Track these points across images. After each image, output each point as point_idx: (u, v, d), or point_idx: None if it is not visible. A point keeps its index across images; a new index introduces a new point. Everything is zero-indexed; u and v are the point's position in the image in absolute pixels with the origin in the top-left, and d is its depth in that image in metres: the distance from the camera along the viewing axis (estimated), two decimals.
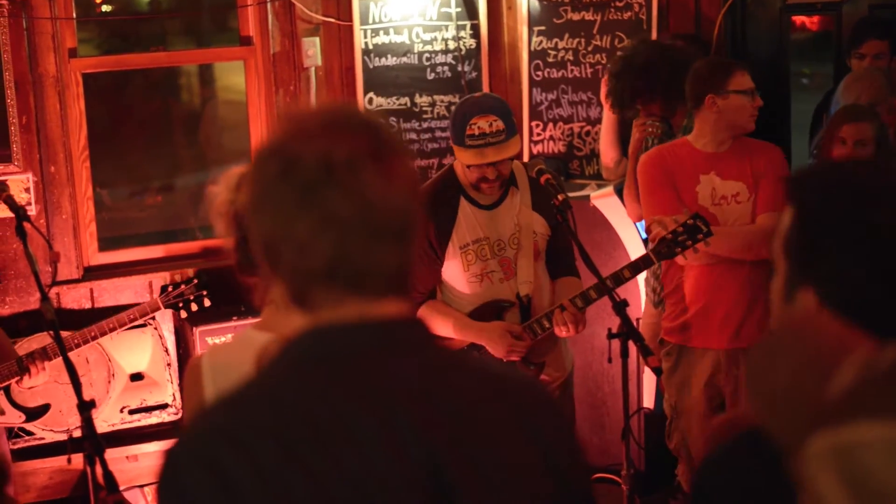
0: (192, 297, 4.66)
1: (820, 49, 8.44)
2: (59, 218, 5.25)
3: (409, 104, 5.72)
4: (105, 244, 5.60)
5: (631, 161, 4.85)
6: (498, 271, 4.05)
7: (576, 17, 5.73)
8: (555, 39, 5.77)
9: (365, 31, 5.59)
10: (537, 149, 5.85)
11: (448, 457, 1.40)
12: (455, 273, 4.07)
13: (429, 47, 5.72)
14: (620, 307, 3.69)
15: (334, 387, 1.42)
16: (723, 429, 1.66)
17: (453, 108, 4.28)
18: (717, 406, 4.42)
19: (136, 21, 7.24)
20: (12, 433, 4.91)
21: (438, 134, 5.77)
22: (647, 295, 4.97)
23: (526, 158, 5.68)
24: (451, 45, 5.75)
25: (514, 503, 1.46)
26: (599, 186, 5.50)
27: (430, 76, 5.75)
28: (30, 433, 4.94)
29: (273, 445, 1.36)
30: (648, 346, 3.68)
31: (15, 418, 4.88)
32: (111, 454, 3.86)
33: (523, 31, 5.84)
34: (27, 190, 5.15)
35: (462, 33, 5.76)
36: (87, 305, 5.30)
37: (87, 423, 3.49)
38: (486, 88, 5.77)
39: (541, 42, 5.80)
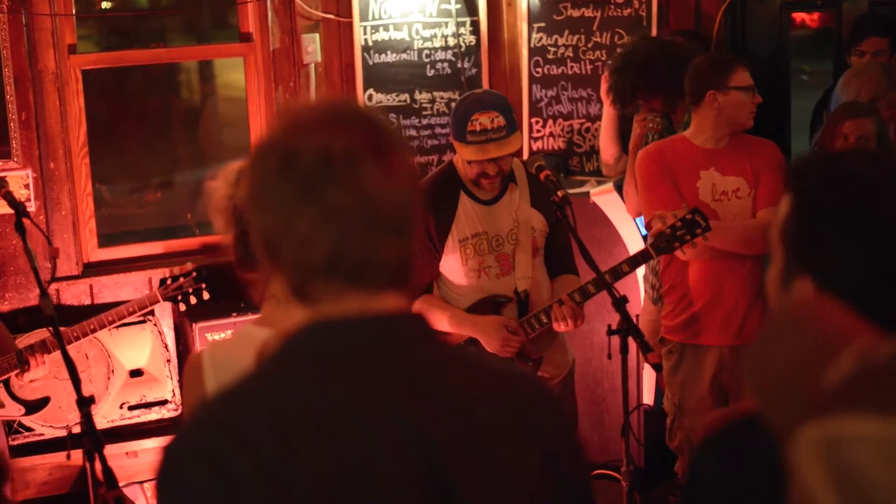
0: (190, 290, 4.65)
1: (820, 46, 8.44)
2: (58, 214, 5.25)
3: (408, 101, 5.72)
4: (104, 240, 5.60)
5: (631, 156, 4.85)
6: (495, 266, 4.06)
7: (576, 13, 5.73)
8: (555, 36, 5.77)
9: (365, 27, 5.58)
10: (537, 145, 5.85)
11: (447, 453, 1.40)
12: (454, 267, 4.07)
13: (428, 44, 5.72)
14: (620, 303, 3.69)
15: (334, 382, 1.42)
16: (721, 418, 1.66)
17: (453, 104, 4.28)
18: (722, 404, 4.41)
19: (136, 17, 7.23)
20: (12, 429, 4.91)
21: (438, 130, 5.77)
22: (645, 291, 4.97)
23: (525, 155, 5.67)
24: (451, 41, 5.75)
25: (512, 499, 1.46)
26: (599, 183, 5.50)
27: (430, 73, 5.74)
28: (29, 429, 4.94)
29: (273, 440, 1.36)
30: (648, 342, 3.68)
31: (15, 411, 4.88)
32: (111, 450, 3.85)
33: (523, 27, 5.83)
34: (26, 186, 5.14)
35: (462, 30, 5.75)
36: (87, 302, 5.29)
37: (87, 419, 3.49)
38: (485, 85, 5.77)
39: (541, 39, 5.80)
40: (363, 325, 1.47)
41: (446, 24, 5.73)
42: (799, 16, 8.44)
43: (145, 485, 5.10)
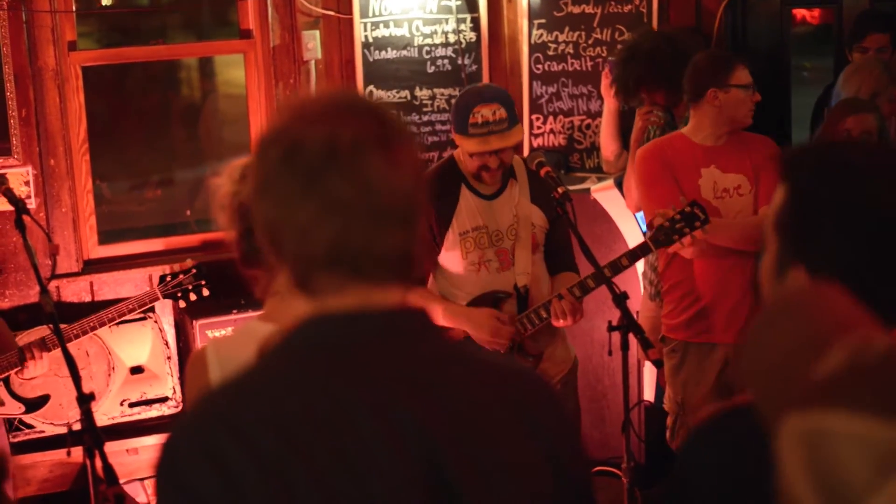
0: (190, 287, 4.65)
1: (820, 42, 8.43)
2: (58, 211, 5.25)
3: (409, 97, 5.72)
4: (105, 237, 5.60)
5: (632, 149, 4.85)
6: (494, 260, 4.06)
7: (576, 10, 5.72)
8: (555, 32, 5.77)
9: (365, 24, 5.58)
10: (537, 142, 5.85)
11: (448, 451, 1.40)
12: (454, 260, 4.08)
13: (429, 40, 5.71)
14: (620, 299, 3.68)
15: (335, 377, 1.42)
16: (715, 410, 1.66)
17: (453, 101, 4.28)
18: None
19: (136, 14, 7.21)
20: (12, 426, 4.91)
21: (438, 127, 5.76)
22: (644, 288, 4.96)
23: (526, 152, 5.67)
24: (452, 38, 5.75)
25: (512, 497, 1.45)
26: (600, 179, 5.50)
27: (431, 69, 5.74)
28: (30, 426, 4.94)
29: (273, 434, 1.36)
30: (648, 338, 3.68)
31: (15, 409, 4.88)
32: (111, 447, 3.86)
33: (523, 24, 5.83)
34: (27, 183, 5.14)
35: (462, 26, 5.75)
36: (87, 299, 5.29)
37: (87, 416, 3.49)
38: (486, 81, 5.76)
39: (541, 35, 5.79)
40: (365, 318, 1.46)
41: (447, 20, 5.72)
42: (799, 12, 8.44)
43: (146, 481, 5.10)
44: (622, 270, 3.97)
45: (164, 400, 5.16)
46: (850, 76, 5.07)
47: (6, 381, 4.81)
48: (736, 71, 4.28)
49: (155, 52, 6.32)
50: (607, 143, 5.26)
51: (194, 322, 5.01)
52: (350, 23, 5.56)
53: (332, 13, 5.56)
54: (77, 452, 4.45)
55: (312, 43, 5.52)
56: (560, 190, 3.87)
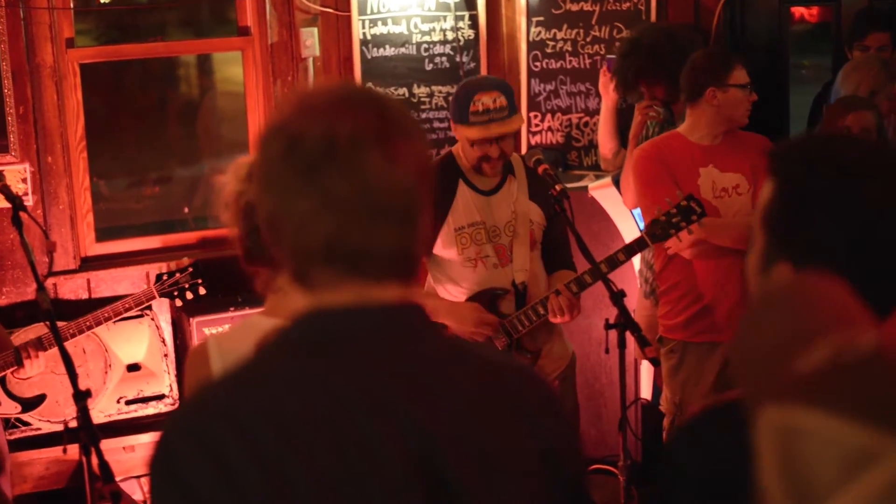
0: (187, 286, 4.65)
1: (819, 40, 8.44)
2: (56, 208, 5.24)
3: (406, 95, 5.71)
4: (102, 234, 5.59)
5: (631, 144, 4.84)
6: (492, 256, 4.06)
7: (574, 7, 5.72)
8: (553, 30, 5.76)
9: (363, 21, 5.57)
10: (535, 139, 5.84)
11: (446, 448, 1.39)
12: (451, 256, 4.07)
13: (427, 38, 5.71)
14: (618, 297, 3.68)
15: (333, 373, 1.41)
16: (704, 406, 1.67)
17: (451, 98, 4.28)
18: None
19: (134, 12, 7.21)
20: (8, 423, 4.91)
21: (437, 125, 5.76)
22: (640, 286, 4.96)
23: (524, 150, 5.67)
24: (450, 35, 5.74)
25: (510, 495, 1.45)
26: (597, 177, 5.50)
27: (429, 67, 5.73)
28: (26, 423, 4.94)
29: (273, 432, 1.35)
30: (645, 336, 3.68)
31: (11, 409, 4.87)
32: (108, 445, 3.85)
33: (522, 21, 5.82)
34: (24, 180, 5.14)
35: (460, 24, 5.74)
36: (84, 296, 5.29)
37: (83, 414, 3.49)
38: None
39: (539, 33, 5.79)
40: (363, 314, 1.45)
41: (445, 17, 5.72)
42: (798, 10, 8.44)
43: (142, 479, 5.09)
44: (619, 265, 3.97)
45: (160, 397, 5.16)
46: (849, 74, 5.07)
47: (2, 381, 4.80)
48: (735, 70, 4.28)
49: (153, 50, 6.31)
50: (605, 141, 5.25)
51: (191, 319, 5.01)
52: (348, 20, 5.56)
53: (330, 10, 5.56)
54: (73, 450, 4.44)
55: (311, 40, 5.52)
56: (558, 187, 3.88)
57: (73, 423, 4.50)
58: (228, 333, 2.70)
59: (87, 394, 3.55)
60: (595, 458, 5.20)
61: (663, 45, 4.87)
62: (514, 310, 4.05)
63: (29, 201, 5.08)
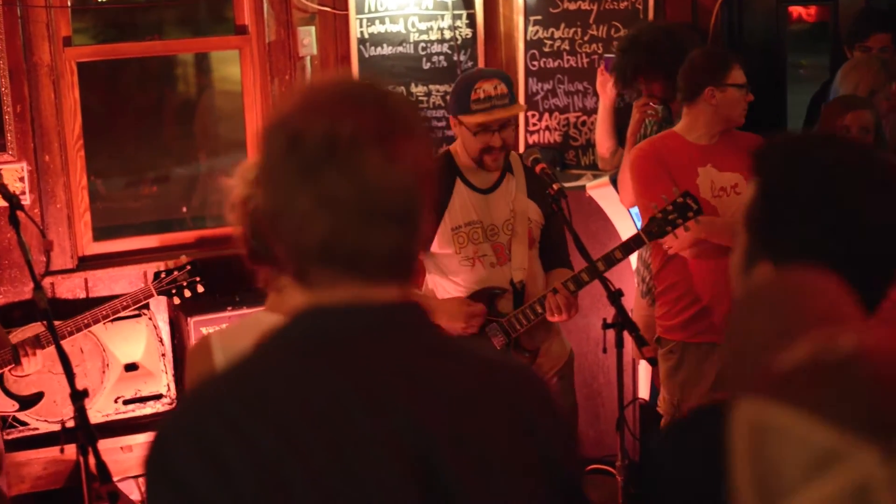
0: (185, 284, 4.65)
1: (816, 40, 8.44)
2: (53, 207, 5.24)
3: (404, 94, 5.70)
4: (100, 234, 5.58)
5: (629, 142, 4.84)
6: (490, 255, 4.06)
7: (572, 6, 5.71)
8: (551, 29, 5.76)
9: (360, 20, 5.57)
10: (533, 139, 5.84)
11: (443, 448, 1.39)
12: (448, 255, 4.07)
13: (424, 37, 5.70)
14: (615, 297, 3.68)
15: (330, 371, 1.41)
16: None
17: (448, 98, 4.28)
18: None
19: (132, 10, 7.20)
20: (6, 423, 4.90)
21: (434, 124, 5.75)
22: (637, 285, 4.96)
23: (521, 149, 5.66)
24: (447, 34, 5.74)
25: (507, 494, 1.45)
26: (595, 176, 5.50)
27: (426, 66, 5.73)
28: (24, 423, 4.93)
29: (271, 432, 1.35)
30: (643, 335, 3.68)
31: (8, 406, 4.87)
32: (105, 444, 3.85)
33: (519, 20, 5.82)
34: (21, 179, 5.13)
35: (458, 23, 5.74)
36: (82, 295, 5.28)
37: (80, 413, 3.48)
38: None
39: (537, 32, 5.79)
40: (361, 312, 1.45)
41: (442, 16, 5.71)
42: (795, 10, 8.45)
43: (140, 479, 5.09)
44: (616, 263, 3.96)
45: (158, 397, 5.15)
46: (848, 73, 5.06)
47: (0, 379, 4.80)
48: (733, 70, 4.28)
49: (150, 48, 6.31)
50: (603, 140, 5.25)
51: (189, 319, 5.00)
52: (346, 19, 5.55)
53: (327, 9, 5.55)
54: (71, 450, 4.44)
55: (308, 39, 5.51)
56: (555, 186, 3.87)
57: (71, 423, 4.51)
58: (232, 329, 2.70)
59: (85, 393, 3.55)
60: (593, 458, 5.19)
61: (662, 41, 4.87)
62: (511, 308, 4.04)
63: (26, 200, 5.07)
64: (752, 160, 1.66)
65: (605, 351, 4.01)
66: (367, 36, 5.59)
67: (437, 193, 1.53)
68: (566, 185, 4.35)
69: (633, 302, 4.97)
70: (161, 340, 5.17)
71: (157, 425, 1.42)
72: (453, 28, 5.73)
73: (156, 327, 5.16)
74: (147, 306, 5.01)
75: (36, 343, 4.37)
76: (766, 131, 4.48)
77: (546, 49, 5.78)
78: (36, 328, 4.66)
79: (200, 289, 4.67)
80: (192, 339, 4.96)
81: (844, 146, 1.68)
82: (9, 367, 4.40)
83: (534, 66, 5.81)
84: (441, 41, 5.73)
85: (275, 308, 2.43)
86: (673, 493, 1.60)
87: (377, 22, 5.60)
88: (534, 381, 1.61)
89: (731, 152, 4.31)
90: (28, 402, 4.91)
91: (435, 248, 4.08)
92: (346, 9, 5.54)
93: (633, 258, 4.81)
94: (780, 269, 1.53)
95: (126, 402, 5.11)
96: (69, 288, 5.28)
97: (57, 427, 4.88)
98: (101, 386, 5.03)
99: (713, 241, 4.17)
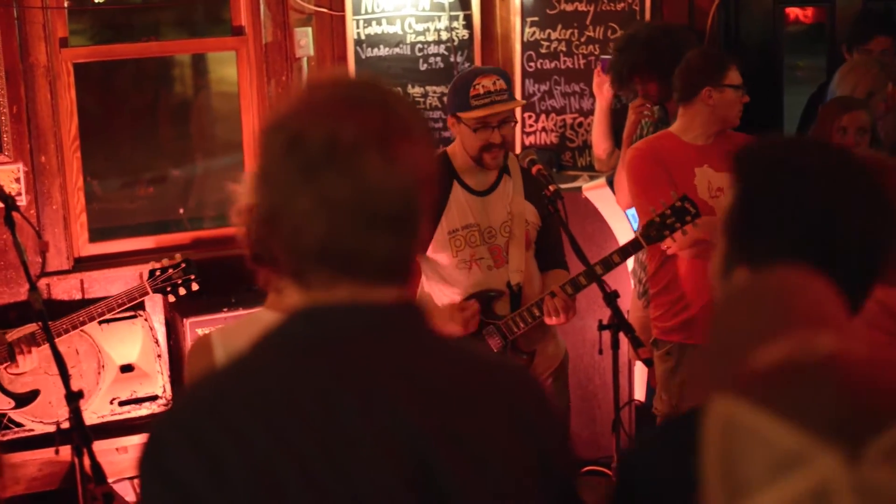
0: (180, 281, 4.64)
1: (813, 41, 8.44)
2: (49, 208, 5.23)
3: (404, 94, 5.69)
4: (96, 235, 5.57)
5: (625, 144, 4.84)
6: (487, 258, 4.05)
7: (569, 7, 5.72)
8: (548, 30, 5.76)
9: (357, 21, 5.57)
10: (529, 140, 5.84)
11: (437, 448, 1.39)
12: (443, 260, 4.06)
13: (421, 38, 5.70)
14: (611, 298, 3.68)
15: (326, 372, 1.41)
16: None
17: (445, 99, 4.28)
18: None
19: (128, 11, 7.19)
20: (1, 424, 4.89)
21: (431, 125, 5.74)
22: (633, 286, 4.96)
23: (518, 150, 5.66)
24: (444, 35, 5.73)
25: (501, 495, 1.44)
26: (591, 178, 5.50)
27: (423, 67, 5.73)
28: (19, 424, 4.92)
29: (265, 432, 1.35)
30: (639, 337, 3.68)
31: (4, 404, 4.86)
32: (101, 446, 3.85)
33: (516, 21, 5.82)
34: (17, 180, 5.12)
35: (455, 24, 5.74)
36: (78, 296, 5.27)
37: (75, 414, 3.48)
38: None
39: (534, 33, 5.79)
40: (357, 313, 1.45)
41: (439, 18, 5.71)
42: (792, 11, 8.44)
43: (135, 481, 5.08)
44: (614, 267, 3.96)
45: (154, 398, 5.14)
46: (847, 75, 5.07)
47: None
48: (730, 71, 4.29)
49: (147, 49, 6.30)
50: (599, 142, 5.25)
51: (185, 320, 5.00)
52: (342, 20, 5.55)
53: (324, 10, 5.55)
54: (66, 451, 4.43)
55: (305, 40, 5.51)
56: (552, 188, 3.87)
57: (66, 425, 4.51)
58: (232, 326, 2.70)
59: (80, 395, 3.55)
60: (588, 459, 5.19)
61: (659, 40, 4.88)
62: (508, 311, 4.04)
63: (22, 201, 5.06)
64: (732, 164, 1.66)
65: (600, 352, 4.01)
66: (363, 37, 5.59)
67: (436, 196, 1.53)
68: (563, 186, 4.35)
69: (629, 303, 4.98)
70: (157, 342, 5.16)
71: (152, 423, 1.42)
72: (450, 29, 5.73)
73: (152, 328, 5.15)
74: (143, 307, 5.01)
75: (31, 340, 4.37)
76: (761, 132, 4.50)
77: (543, 50, 5.78)
78: (32, 329, 4.66)
79: (195, 286, 4.66)
80: (188, 341, 4.96)
81: (823, 150, 1.68)
82: (4, 365, 4.39)
83: (530, 67, 5.81)
84: (438, 42, 5.73)
85: (275, 306, 2.43)
86: (644, 494, 1.60)
87: (374, 23, 5.60)
88: (530, 383, 1.62)
89: (726, 153, 4.30)
90: (24, 399, 4.90)
91: (430, 252, 4.07)
92: (343, 10, 5.53)
93: (629, 259, 4.81)
94: (755, 274, 1.53)
95: (121, 404, 5.10)
96: (65, 289, 5.27)
97: (52, 428, 4.87)
98: (96, 387, 5.02)
99: (714, 241, 4.16)
